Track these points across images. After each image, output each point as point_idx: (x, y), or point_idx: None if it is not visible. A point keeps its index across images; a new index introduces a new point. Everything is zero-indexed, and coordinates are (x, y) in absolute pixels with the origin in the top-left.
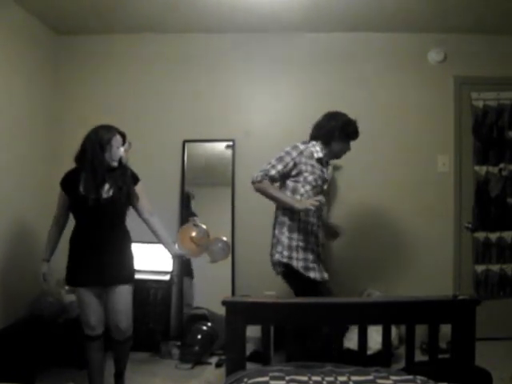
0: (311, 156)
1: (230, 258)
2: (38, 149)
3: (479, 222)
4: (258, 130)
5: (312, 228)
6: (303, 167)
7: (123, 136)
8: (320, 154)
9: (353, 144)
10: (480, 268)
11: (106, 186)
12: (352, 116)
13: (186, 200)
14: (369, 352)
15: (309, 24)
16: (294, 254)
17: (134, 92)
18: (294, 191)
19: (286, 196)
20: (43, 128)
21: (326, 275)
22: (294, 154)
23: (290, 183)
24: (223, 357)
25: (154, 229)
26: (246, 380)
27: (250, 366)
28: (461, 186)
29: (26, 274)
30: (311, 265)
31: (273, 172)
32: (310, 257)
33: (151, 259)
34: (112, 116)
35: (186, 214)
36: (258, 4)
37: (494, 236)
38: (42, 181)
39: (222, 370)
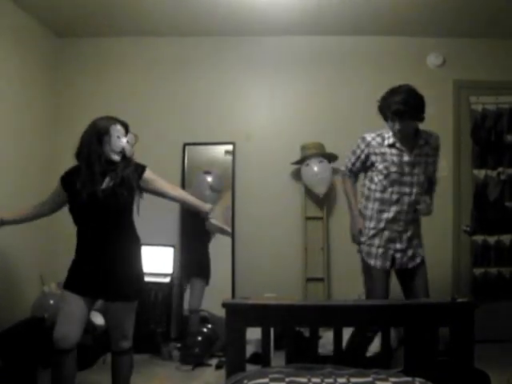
0: (381, 143)
1: (230, 260)
2: (38, 151)
3: (478, 225)
4: (259, 132)
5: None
6: (373, 157)
7: (125, 126)
8: (391, 140)
9: (352, 147)
10: (478, 271)
11: (106, 180)
12: (350, 118)
13: None
14: (368, 354)
15: (307, 27)
16: None
17: (133, 94)
18: (371, 181)
19: (352, 205)
20: (43, 130)
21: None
22: (362, 146)
23: (368, 173)
24: (223, 358)
25: (185, 200)
26: (245, 381)
27: (249, 367)
28: (459, 190)
29: (27, 276)
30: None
31: (349, 165)
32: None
33: (152, 261)
34: None
35: None
36: (257, 7)
37: (492, 239)
38: (42, 182)
39: (222, 371)
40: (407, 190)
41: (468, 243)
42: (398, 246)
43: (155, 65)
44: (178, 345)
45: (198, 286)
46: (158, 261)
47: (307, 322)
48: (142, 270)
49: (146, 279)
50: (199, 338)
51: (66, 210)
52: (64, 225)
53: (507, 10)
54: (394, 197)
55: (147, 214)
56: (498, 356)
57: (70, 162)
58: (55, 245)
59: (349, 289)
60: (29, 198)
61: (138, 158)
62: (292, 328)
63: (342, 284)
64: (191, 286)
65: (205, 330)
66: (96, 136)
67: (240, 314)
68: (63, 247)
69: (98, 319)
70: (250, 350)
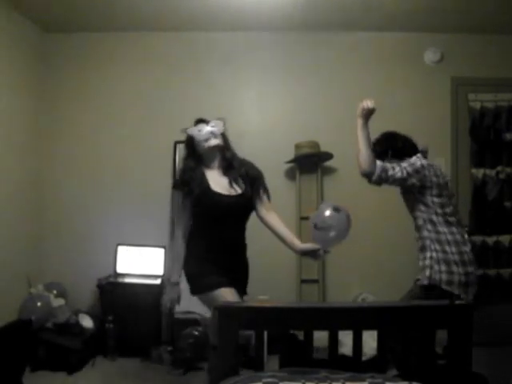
0: None
1: None
2: (25, 148)
3: (476, 225)
4: (251, 131)
5: None
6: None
7: (203, 121)
8: None
9: (347, 146)
10: (477, 272)
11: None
12: (345, 116)
13: None
14: (364, 358)
15: (300, 22)
16: None
17: (123, 91)
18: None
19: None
20: (31, 127)
21: None
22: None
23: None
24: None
25: (275, 227)
26: None
27: (242, 371)
28: (457, 189)
29: (13, 277)
30: None
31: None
32: None
33: (142, 263)
34: (101, 115)
35: None
36: (247, 4)
37: (491, 240)
38: (31, 181)
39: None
40: None
41: None
42: None
43: (145, 61)
44: (169, 348)
45: None
46: (148, 262)
47: (302, 325)
48: None
49: (136, 281)
50: (190, 341)
51: (50, 212)
52: (51, 226)
53: (506, 6)
54: None
55: (137, 214)
56: (497, 359)
57: (57, 156)
58: (42, 246)
59: (344, 290)
60: (16, 201)
61: (130, 156)
62: (286, 331)
63: (337, 286)
64: None
65: (196, 333)
66: (190, 147)
67: (233, 316)
68: (50, 249)
69: (87, 322)
70: None
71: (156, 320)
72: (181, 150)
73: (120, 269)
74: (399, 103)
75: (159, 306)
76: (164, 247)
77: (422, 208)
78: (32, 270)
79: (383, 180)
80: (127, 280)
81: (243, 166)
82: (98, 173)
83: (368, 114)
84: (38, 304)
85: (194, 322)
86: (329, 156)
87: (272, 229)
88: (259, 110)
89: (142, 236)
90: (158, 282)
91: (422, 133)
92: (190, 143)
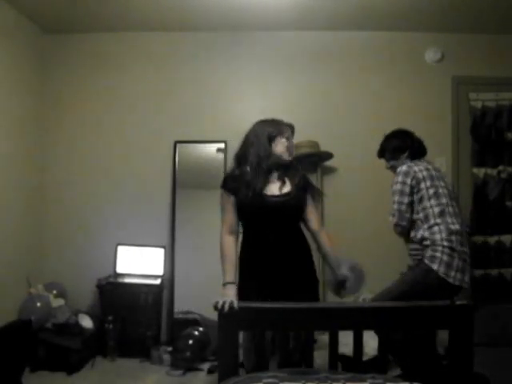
0: None
1: None
2: (25, 147)
3: (477, 225)
4: None
5: None
6: None
7: (292, 128)
8: None
9: (347, 146)
10: (478, 272)
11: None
12: (346, 115)
13: None
14: (365, 358)
15: (301, 22)
16: None
17: (123, 91)
18: None
19: None
20: (31, 127)
21: None
22: None
23: None
24: (215, 363)
25: (322, 244)
26: None
27: (242, 372)
28: (458, 189)
29: (13, 277)
30: None
31: None
32: None
33: (142, 263)
34: (101, 115)
35: None
36: (247, 3)
37: (492, 240)
38: (31, 181)
39: (214, 376)
40: None
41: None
42: None
43: (145, 61)
44: (169, 348)
45: None
46: (148, 262)
47: (302, 325)
48: None
49: (136, 281)
50: (190, 342)
51: (50, 212)
52: (51, 226)
53: (507, 5)
54: None
55: (137, 214)
56: (498, 360)
57: (58, 154)
58: (42, 246)
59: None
60: (15, 199)
61: (130, 156)
62: (286, 331)
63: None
64: None
65: (196, 333)
66: (267, 136)
67: (233, 317)
68: (50, 249)
69: (87, 322)
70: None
71: (156, 320)
72: (181, 149)
73: (120, 269)
74: (400, 102)
75: (160, 306)
76: (164, 247)
77: None
78: (32, 270)
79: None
80: (127, 280)
81: None
82: (98, 172)
83: None
84: (38, 304)
85: (194, 323)
86: (329, 156)
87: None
88: (259, 110)
89: (142, 236)
90: (157, 281)
91: (423, 132)
92: (271, 137)
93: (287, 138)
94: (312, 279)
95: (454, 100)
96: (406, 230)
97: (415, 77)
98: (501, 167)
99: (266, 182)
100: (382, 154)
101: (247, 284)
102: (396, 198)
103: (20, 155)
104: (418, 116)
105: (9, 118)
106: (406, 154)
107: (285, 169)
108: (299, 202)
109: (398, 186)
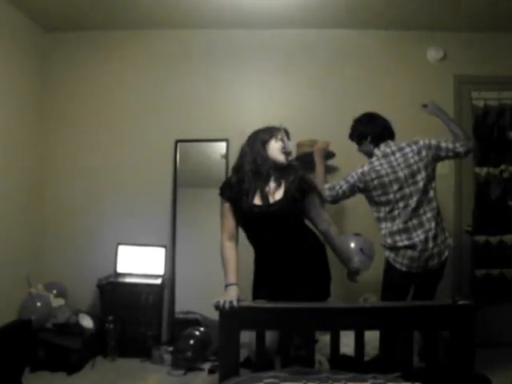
0: None
1: None
2: (26, 145)
3: (479, 225)
4: (252, 129)
5: None
6: None
7: (286, 132)
8: None
9: (349, 145)
10: (480, 272)
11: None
12: (348, 114)
13: None
14: (366, 358)
15: (304, 20)
16: None
17: (124, 90)
18: None
19: None
20: (31, 127)
21: None
22: None
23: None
24: (216, 363)
25: (333, 241)
26: None
27: (243, 372)
28: (461, 188)
29: (14, 278)
30: None
31: None
32: None
33: (142, 262)
34: (101, 114)
35: None
36: (248, 3)
37: (494, 240)
38: (31, 181)
39: (216, 376)
40: None
41: (469, 243)
42: None
43: (146, 59)
44: (170, 348)
45: None
46: (148, 262)
47: (303, 325)
48: None
49: (137, 280)
50: (191, 342)
51: (50, 211)
52: (51, 226)
53: (509, 3)
54: None
55: (138, 213)
56: (500, 360)
57: (57, 155)
58: (42, 246)
59: (345, 291)
60: (15, 199)
61: (130, 155)
62: (287, 332)
63: (337, 286)
64: None
65: (197, 333)
66: (260, 142)
67: (234, 316)
68: (50, 249)
69: (87, 322)
70: (243, 353)
71: (157, 320)
72: (182, 148)
73: (120, 268)
74: (402, 101)
75: (160, 306)
76: (165, 246)
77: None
78: (32, 270)
79: (335, 197)
80: (127, 280)
81: None
82: (98, 172)
83: (324, 154)
84: (38, 304)
85: (195, 322)
86: (330, 155)
87: (332, 245)
88: (260, 109)
89: (143, 235)
90: (158, 281)
91: (425, 131)
92: (265, 141)
93: (281, 140)
94: (321, 276)
95: (456, 99)
96: (327, 201)
97: (417, 75)
98: (503, 166)
99: (263, 188)
100: (351, 137)
101: (259, 289)
102: (348, 177)
103: (20, 154)
104: (419, 115)
105: (9, 116)
106: (368, 140)
107: (281, 171)
108: (286, 210)
109: (354, 177)
